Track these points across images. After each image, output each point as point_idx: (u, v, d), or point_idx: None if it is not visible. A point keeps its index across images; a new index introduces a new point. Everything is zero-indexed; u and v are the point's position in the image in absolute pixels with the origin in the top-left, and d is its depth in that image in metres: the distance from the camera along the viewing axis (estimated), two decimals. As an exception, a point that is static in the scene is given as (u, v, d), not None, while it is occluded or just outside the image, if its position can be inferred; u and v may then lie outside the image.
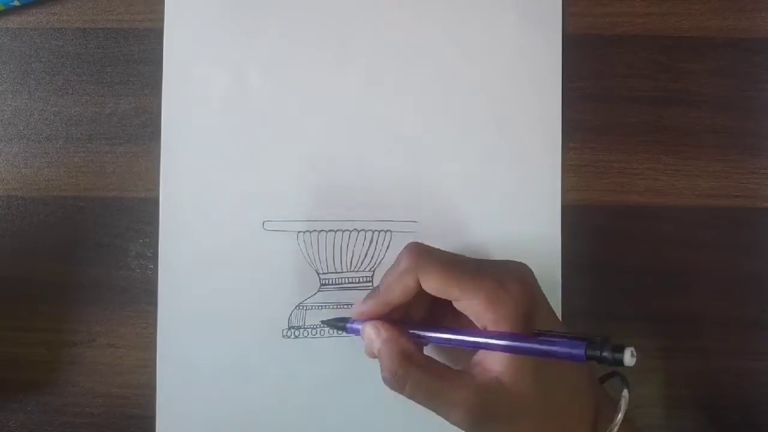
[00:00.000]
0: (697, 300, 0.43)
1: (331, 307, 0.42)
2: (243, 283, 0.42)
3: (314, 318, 0.42)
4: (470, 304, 0.33)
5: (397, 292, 0.35)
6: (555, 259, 0.43)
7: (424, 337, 0.36)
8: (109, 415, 0.42)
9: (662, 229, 0.43)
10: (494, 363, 0.33)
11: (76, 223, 0.43)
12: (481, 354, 0.34)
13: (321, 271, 0.42)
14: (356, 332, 0.37)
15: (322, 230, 0.42)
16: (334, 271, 0.42)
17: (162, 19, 0.43)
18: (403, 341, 0.35)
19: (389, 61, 0.43)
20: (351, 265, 0.42)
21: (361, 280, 0.42)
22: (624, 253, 0.43)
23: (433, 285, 0.34)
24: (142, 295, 0.42)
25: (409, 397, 0.34)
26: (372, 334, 0.36)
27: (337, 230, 0.42)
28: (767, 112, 0.44)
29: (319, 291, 0.42)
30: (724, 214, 0.43)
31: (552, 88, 0.43)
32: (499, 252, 0.42)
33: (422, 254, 0.35)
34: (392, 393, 0.34)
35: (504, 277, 0.34)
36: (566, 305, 0.42)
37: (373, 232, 0.42)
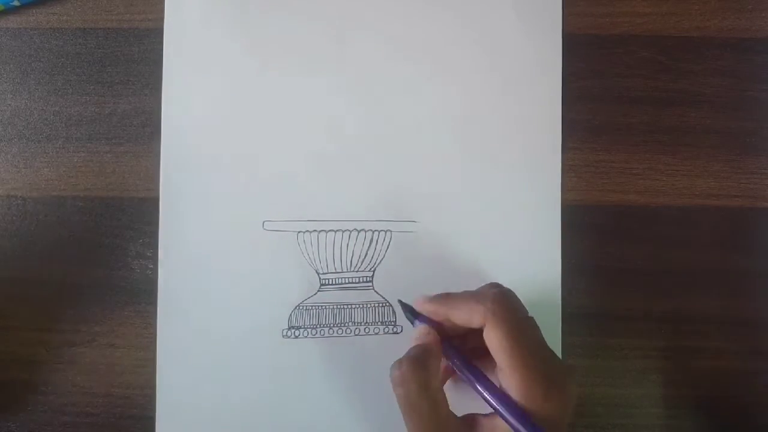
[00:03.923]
0: (697, 300, 0.43)
1: (331, 307, 0.42)
2: (243, 283, 0.42)
3: (314, 318, 0.42)
4: (516, 382, 0.32)
5: (458, 318, 0.35)
6: (555, 259, 0.43)
7: (453, 362, 0.35)
8: (109, 415, 0.42)
9: (662, 229, 0.43)
10: None
11: (76, 223, 0.43)
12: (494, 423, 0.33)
13: (321, 271, 0.42)
14: (414, 324, 0.37)
15: (322, 230, 0.42)
16: (334, 271, 0.42)
17: (162, 19, 0.43)
18: (431, 357, 0.34)
19: (389, 61, 0.43)
20: (351, 265, 0.42)
21: (361, 279, 0.42)
22: (624, 253, 0.43)
23: (494, 344, 0.33)
24: (142, 295, 0.42)
25: (398, 400, 0.34)
26: (422, 332, 0.36)
27: (337, 230, 0.42)
28: (767, 112, 0.44)
29: (319, 291, 0.42)
30: (724, 214, 0.43)
31: (552, 88, 0.43)
32: (498, 252, 0.42)
33: (504, 307, 0.34)
34: (391, 393, 0.35)
35: (562, 381, 0.33)
36: (566, 305, 0.42)
37: (373, 232, 0.42)
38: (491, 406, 0.33)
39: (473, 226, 0.43)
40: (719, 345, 0.43)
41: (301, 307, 0.42)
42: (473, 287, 0.42)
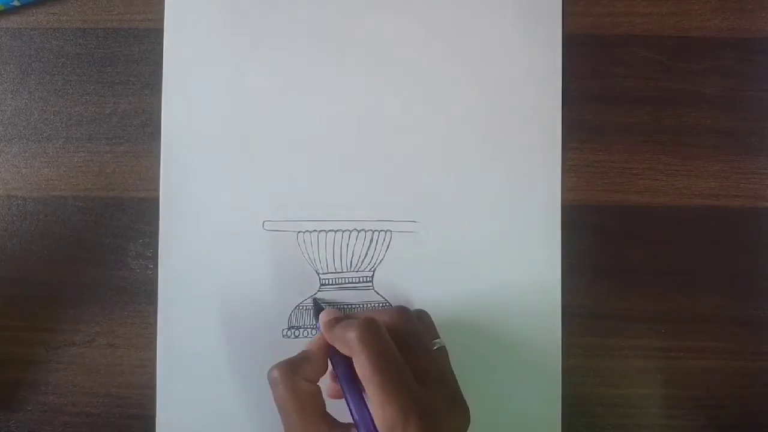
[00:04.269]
0: (697, 300, 0.43)
1: (331, 307, 0.42)
2: (243, 283, 0.42)
3: (314, 318, 0.42)
4: (375, 410, 0.33)
5: (337, 346, 0.36)
6: (555, 259, 0.43)
7: (337, 372, 0.36)
8: (109, 415, 0.42)
9: (662, 229, 0.43)
10: None
11: (75, 223, 0.43)
12: None
13: (321, 271, 0.42)
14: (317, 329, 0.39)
15: (322, 230, 0.42)
16: (334, 271, 0.42)
17: (162, 19, 0.43)
18: (306, 363, 0.36)
19: (389, 61, 0.43)
20: (351, 265, 0.42)
21: (361, 280, 0.42)
22: (624, 253, 0.43)
23: (359, 372, 0.34)
24: (142, 295, 0.42)
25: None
26: (314, 339, 0.38)
27: (337, 230, 0.42)
28: (767, 112, 0.44)
29: (319, 291, 0.42)
30: (724, 214, 0.43)
31: (552, 88, 0.43)
32: (498, 252, 0.42)
33: (368, 335, 0.34)
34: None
35: (433, 415, 0.33)
36: (566, 305, 0.42)
37: (373, 232, 0.42)
38: (353, 420, 0.34)
39: (473, 226, 0.43)
40: (719, 345, 0.43)
41: (301, 307, 0.42)
42: (473, 287, 0.42)
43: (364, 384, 0.33)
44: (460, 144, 0.43)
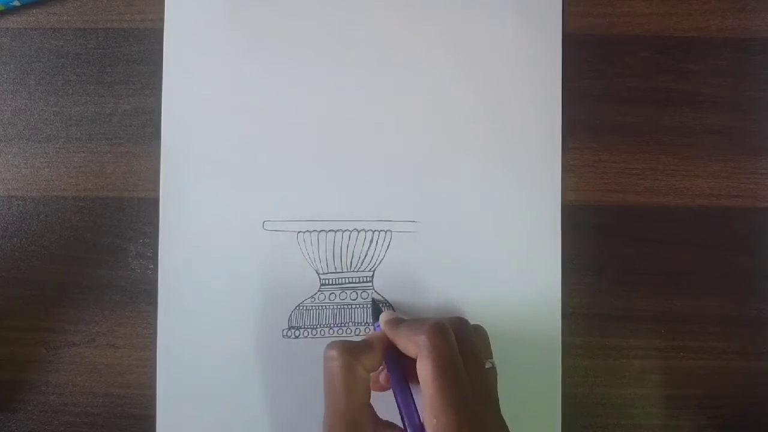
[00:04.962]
0: (697, 300, 0.43)
1: (331, 307, 0.42)
2: (243, 283, 0.42)
3: (314, 318, 0.42)
4: (431, 417, 0.33)
5: (401, 346, 0.36)
6: (555, 259, 0.43)
7: (389, 370, 0.36)
8: (109, 415, 0.42)
9: (662, 229, 0.43)
10: None
11: (76, 223, 0.43)
12: None
13: (321, 271, 0.42)
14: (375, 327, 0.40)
15: (322, 230, 0.42)
16: (334, 271, 0.42)
17: (162, 19, 0.43)
18: (367, 351, 0.36)
19: (389, 61, 0.43)
20: (351, 265, 0.42)
21: (361, 280, 0.42)
22: (624, 252, 0.43)
23: (422, 376, 0.33)
24: (142, 295, 0.42)
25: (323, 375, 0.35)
26: (375, 334, 0.38)
27: (337, 230, 0.42)
28: (767, 112, 0.44)
29: (319, 291, 0.42)
30: (724, 214, 0.43)
31: (552, 88, 0.43)
32: (498, 252, 0.42)
33: (437, 341, 0.34)
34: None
35: None
36: (566, 305, 0.42)
37: (373, 232, 0.42)
38: (402, 421, 0.34)
39: (473, 226, 0.43)
40: (719, 345, 0.43)
41: (301, 307, 0.42)
42: (473, 287, 0.42)
43: (423, 386, 0.33)
44: (460, 144, 0.43)
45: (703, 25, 0.44)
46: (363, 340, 0.37)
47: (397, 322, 0.37)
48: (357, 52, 0.43)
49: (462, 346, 0.35)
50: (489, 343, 0.38)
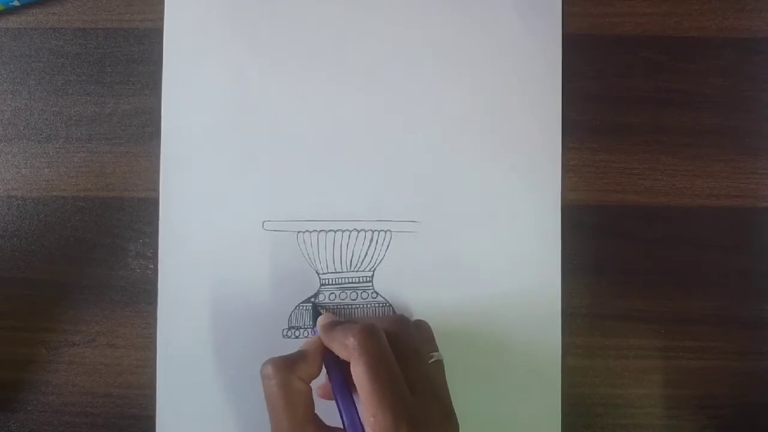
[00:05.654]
0: (697, 300, 0.43)
1: (331, 307, 0.42)
2: (243, 283, 0.42)
3: (314, 318, 0.42)
4: (368, 417, 0.33)
5: (335, 350, 0.36)
6: (555, 259, 0.43)
7: (330, 376, 0.36)
8: (109, 415, 0.42)
9: (662, 229, 0.43)
10: None
11: (76, 223, 0.43)
12: None
13: (321, 271, 0.42)
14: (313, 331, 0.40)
15: (322, 230, 0.42)
16: (334, 271, 0.42)
17: (162, 19, 0.43)
18: (302, 362, 0.36)
19: (389, 61, 0.43)
20: (351, 265, 0.42)
21: (361, 280, 0.42)
22: (624, 253, 0.43)
23: (356, 378, 0.34)
24: (142, 295, 0.42)
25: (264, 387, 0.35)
26: (311, 340, 0.38)
27: (337, 230, 0.42)
28: (767, 112, 0.44)
29: (319, 291, 0.42)
30: (724, 214, 0.43)
31: (552, 88, 0.43)
32: (498, 252, 0.42)
33: (367, 342, 0.34)
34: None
35: (427, 425, 0.33)
36: (566, 305, 0.42)
37: (373, 232, 0.43)
38: (342, 423, 0.34)
39: (473, 226, 0.43)
40: (719, 345, 0.43)
41: (301, 307, 0.42)
42: (473, 287, 0.42)
43: (358, 389, 0.33)
44: (460, 144, 0.43)
45: (703, 25, 0.44)
46: (298, 351, 0.37)
47: (331, 326, 0.37)
48: (357, 53, 0.43)
49: (401, 344, 0.35)
50: (432, 337, 0.39)
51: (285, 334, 0.42)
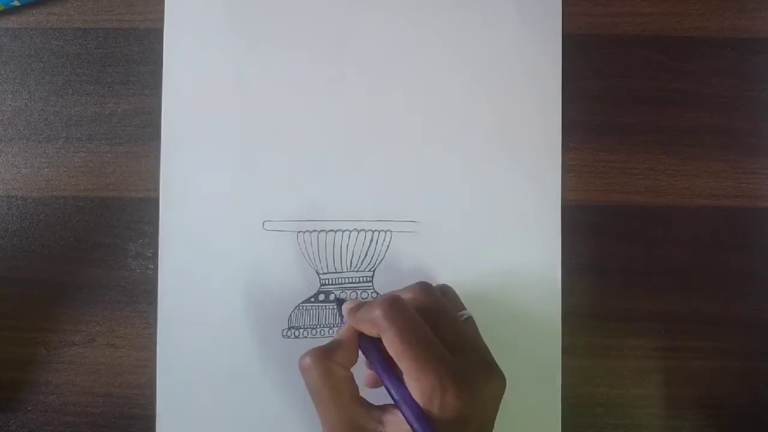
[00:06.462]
0: (697, 300, 0.43)
1: (331, 307, 0.42)
2: (243, 283, 0.42)
3: (314, 318, 0.42)
4: (412, 382, 0.33)
5: (364, 330, 0.35)
6: (555, 259, 0.43)
7: (368, 357, 0.36)
8: (109, 415, 0.42)
9: (662, 229, 0.43)
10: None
11: (76, 223, 0.43)
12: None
13: (321, 271, 0.42)
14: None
15: (322, 230, 0.42)
16: (334, 271, 0.42)
17: (162, 19, 0.43)
18: (339, 349, 0.35)
19: (389, 60, 0.43)
20: (351, 265, 0.42)
21: (361, 280, 0.42)
22: (624, 253, 0.43)
23: (390, 350, 0.33)
24: (142, 295, 0.42)
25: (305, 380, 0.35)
26: (342, 329, 0.37)
27: (337, 230, 0.42)
28: (767, 112, 0.44)
29: (319, 291, 0.42)
30: (724, 214, 0.43)
31: (552, 88, 0.43)
32: (498, 252, 0.42)
33: (391, 311, 0.33)
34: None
35: (470, 380, 0.33)
36: (566, 305, 0.42)
37: (373, 232, 0.43)
38: (393, 399, 0.34)
39: (473, 226, 0.43)
40: (719, 345, 0.43)
41: (301, 307, 0.42)
42: (473, 287, 0.42)
43: (395, 358, 0.33)
44: (460, 144, 0.43)
45: (703, 25, 0.44)
46: (333, 340, 0.36)
47: (356, 309, 0.36)
48: (357, 53, 0.43)
49: (429, 308, 0.35)
50: (458, 297, 0.39)
51: (285, 334, 0.42)
